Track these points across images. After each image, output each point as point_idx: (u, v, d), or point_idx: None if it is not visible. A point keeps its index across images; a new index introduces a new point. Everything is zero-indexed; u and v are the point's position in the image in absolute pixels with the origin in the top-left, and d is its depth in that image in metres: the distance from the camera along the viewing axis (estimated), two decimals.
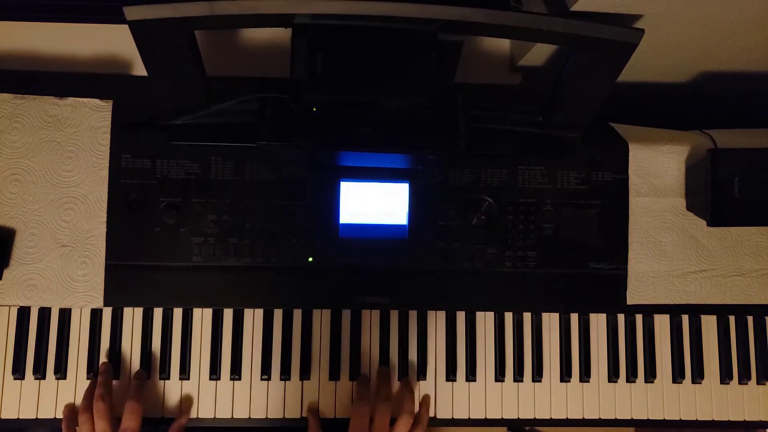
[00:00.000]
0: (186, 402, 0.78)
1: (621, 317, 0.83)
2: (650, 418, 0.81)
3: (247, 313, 0.80)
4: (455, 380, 0.81)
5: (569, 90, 0.73)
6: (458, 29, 0.67)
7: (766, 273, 0.83)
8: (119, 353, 0.78)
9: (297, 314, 0.80)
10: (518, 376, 0.81)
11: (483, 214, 0.79)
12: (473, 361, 0.81)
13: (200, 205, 0.78)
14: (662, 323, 0.83)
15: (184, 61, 0.68)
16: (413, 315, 0.81)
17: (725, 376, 0.82)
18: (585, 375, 0.81)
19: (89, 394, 0.75)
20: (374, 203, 0.79)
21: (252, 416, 0.78)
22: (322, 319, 0.80)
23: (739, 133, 0.84)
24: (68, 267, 0.77)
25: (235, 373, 0.78)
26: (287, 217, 0.78)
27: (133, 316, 0.79)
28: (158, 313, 0.79)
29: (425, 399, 0.80)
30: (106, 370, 0.76)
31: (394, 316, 0.81)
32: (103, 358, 0.78)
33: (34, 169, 0.77)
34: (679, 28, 0.74)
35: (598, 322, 0.83)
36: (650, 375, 0.82)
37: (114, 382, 0.77)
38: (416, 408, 0.78)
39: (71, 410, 0.76)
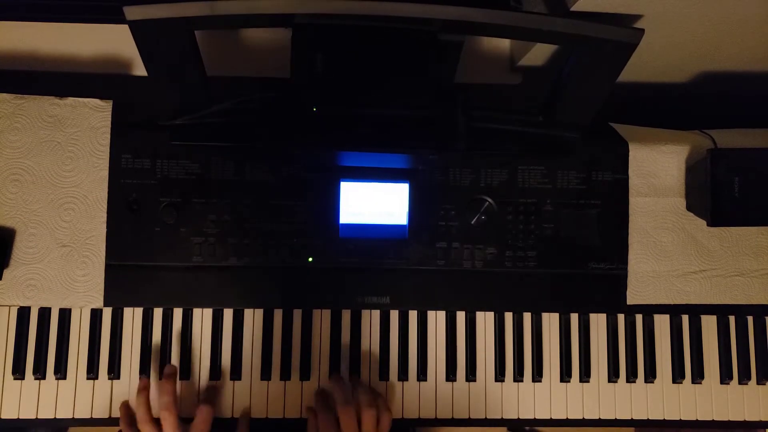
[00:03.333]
0: (186, 402, 0.78)
1: (621, 317, 0.83)
2: (650, 418, 0.81)
3: (247, 313, 0.80)
4: (455, 380, 0.81)
5: (569, 90, 0.73)
6: (458, 29, 0.67)
7: (766, 273, 0.83)
8: (119, 353, 0.78)
9: (297, 314, 0.80)
10: (518, 376, 0.81)
11: (483, 214, 0.79)
12: (473, 361, 0.81)
13: (200, 205, 0.78)
14: (662, 323, 0.83)
15: (184, 61, 0.68)
16: (413, 315, 0.81)
17: (725, 376, 0.82)
18: (585, 375, 0.81)
19: (146, 401, 0.74)
20: (374, 203, 0.79)
21: (252, 416, 0.78)
22: (322, 319, 0.80)
23: (739, 133, 0.84)
24: (68, 267, 0.77)
25: (235, 373, 0.78)
26: (287, 217, 0.78)
27: (133, 316, 0.79)
28: (158, 313, 0.79)
29: (372, 389, 0.79)
30: (171, 374, 0.76)
31: (394, 316, 0.81)
32: (104, 358, 0.77)
33: (34, 169, 0.77)
34: (679, 28, 0.74)
35: (598, 322, 0.83)
36: (650, 375, 0.82)
37: (115, 381, 0.77)
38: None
39: (128, 409, 0.76)
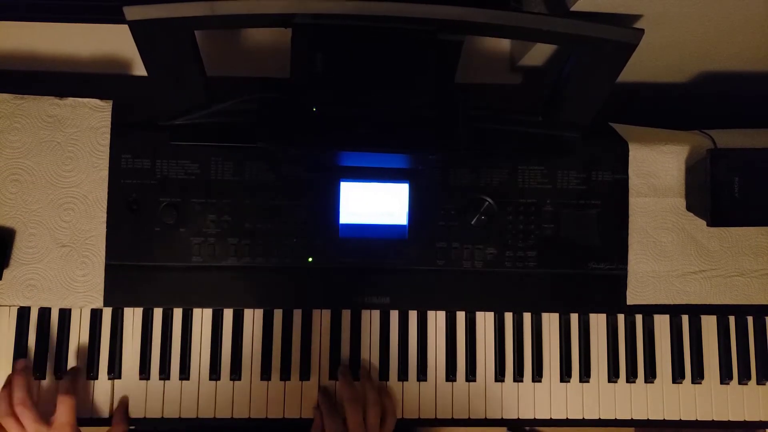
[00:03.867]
0: (186, 402, 0.78)
1: (621, 317, 0.83)
2: (650, 418, 0.81)
3: (247, 313, 0.80)
4: (455, 380, 0.81)
5: (569, 90, 0.73)
6: (458, 29, 0.67)
7: (766, 273, 0.83)
8: (119, 353, 0.78)
9: (297, 314, 0.80)
10: (518, 377, 0.81)
11: (483, 214, 0.79)
12: (473, 361, 0.81)
13: (200, 205, 0.78)
14: (662, 323, 0.83)
15: (184, 61, 0.68)
16: (413, 315, 0.81)
17: (725, 376, 0.82)
18: (585, 375, 0.81)
19: (7, 395, 0.72)
20: (374, 203, 0.79)
21: (252, 416, 0.78)
22: (322, 319, 0.80)
23: (739, 133, 0.84)
24: (68, 267, 0.77)
25: (235, 373, 0.78)
26: (287, 217, 0.78)
27: (133, 316, 0.79)
28: (158, 313, 0.79)
29: (385, 387, 0.79)
30: (23, 369, 0.74)
31: (394, 316, 0.81)
32: (103, 358, 0.77)
33: (33, 169, 0.77)
34: (678, 28, 0.74)
35: (598, 322, 0.83)
36: (650, 375, 0.82)
37: (116, 381, 0.77)
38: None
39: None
